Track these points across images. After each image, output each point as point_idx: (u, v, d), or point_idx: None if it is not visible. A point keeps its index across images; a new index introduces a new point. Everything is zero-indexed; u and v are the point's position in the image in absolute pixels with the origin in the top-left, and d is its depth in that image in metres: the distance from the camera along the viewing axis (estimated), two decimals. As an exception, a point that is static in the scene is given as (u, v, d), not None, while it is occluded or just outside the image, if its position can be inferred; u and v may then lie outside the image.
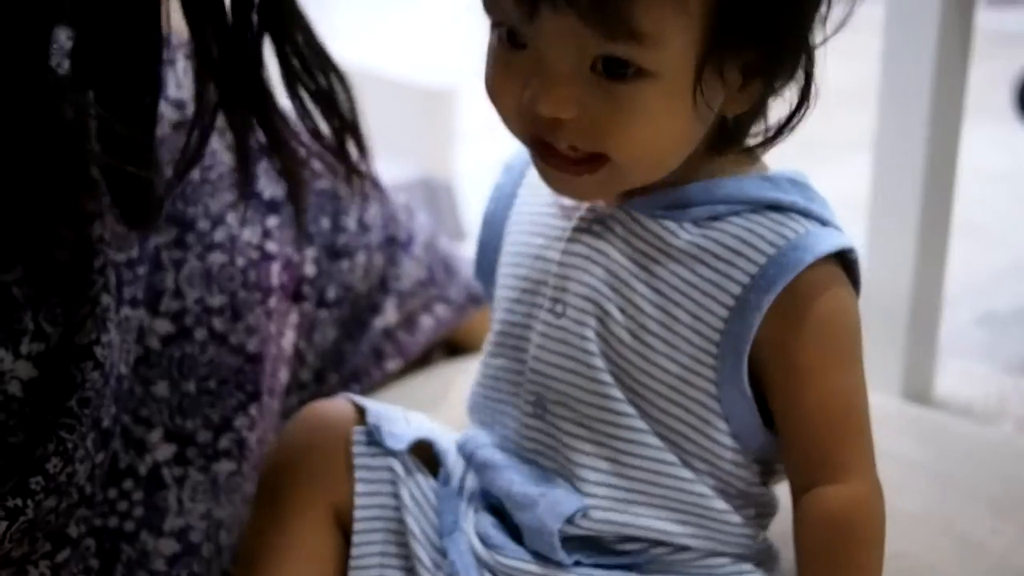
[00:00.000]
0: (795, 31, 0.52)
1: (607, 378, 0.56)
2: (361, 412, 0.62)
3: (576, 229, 0.57)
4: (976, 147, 1.10)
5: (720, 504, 0.57)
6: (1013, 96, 2.02)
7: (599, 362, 0.56)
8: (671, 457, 0.56)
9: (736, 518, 0.57)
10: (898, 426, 0.80)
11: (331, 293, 0.80)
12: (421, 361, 0.89)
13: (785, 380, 0.55)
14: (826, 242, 0.54)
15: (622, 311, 0.56)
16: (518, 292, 0.59)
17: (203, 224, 0.69)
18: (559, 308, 0.57)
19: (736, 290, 0.54)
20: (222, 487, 0.68)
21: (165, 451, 0.67)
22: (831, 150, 1.62)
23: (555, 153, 0.53)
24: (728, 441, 0.56)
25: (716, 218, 0.55)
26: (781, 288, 0.53)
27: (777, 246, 0.54)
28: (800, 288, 0.54)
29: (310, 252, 0.77)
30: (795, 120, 0.54)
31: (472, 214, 1.54)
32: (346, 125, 0.66)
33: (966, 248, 1.17)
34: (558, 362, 0.57)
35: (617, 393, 0.56)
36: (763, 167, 0.58)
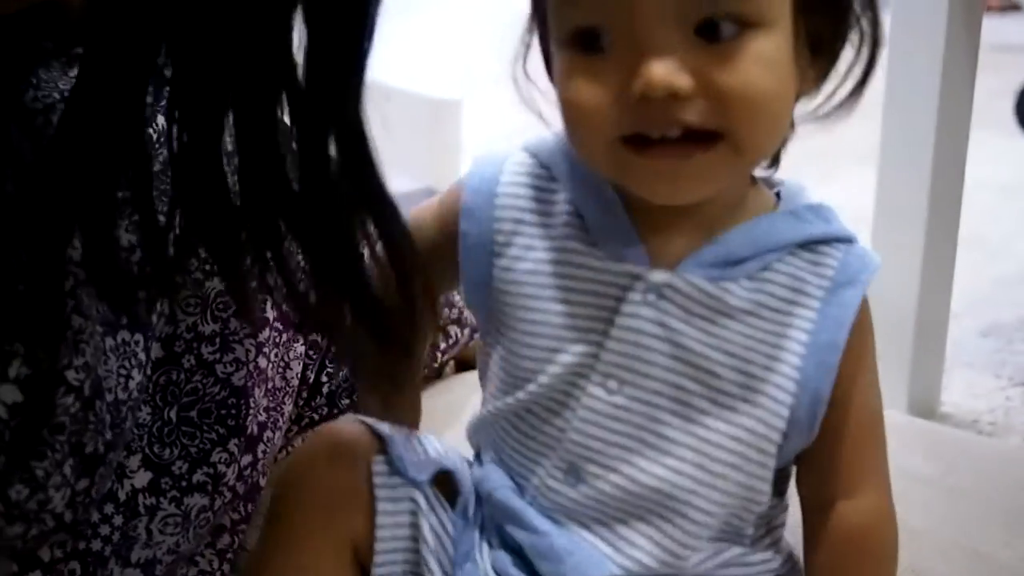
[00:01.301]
0: None
1: (677, 450, 0.54)
2: (375, 436, 0.60)
3: (630, 302, 0.54)
4: (979, 158, 1.10)
5: (757, 556, 0.57)
6: (1015, 107, 2.02)
7: (675, 434, 0.54)
8: (715, 521, 0.55)
9: (766, 555, 0.57)
10: (907, 440, 0.80)
11: None
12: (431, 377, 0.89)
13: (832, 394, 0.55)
14: (867, 270, 0.55)
15: (698, 382, 0.54)
16: (546, 352, 0.56)
17: (204, 250, 0.68)
18: (612, 384, 0.54)
19: (803, 336, 0.54)
20: (193, 522, 0.67)
21: (141, 478, 0.65)
22: (836, 162, 1.62)
23: (658, 143, 0.49)
24: (770, 479, 0.56)
25: (764, 268, 0.54)
26: (852, 323, 0.54)
27: (824, 288, 0.54)
28: (856, 323, 0.54)
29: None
30: (864, 85, 0.53)
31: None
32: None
33: (970, 259, 1.17)
34: (611, 438, 0.55)
35: (678, 464, 0.54)
36: (771, 197, 0.58)
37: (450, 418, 0.80)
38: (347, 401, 0.83)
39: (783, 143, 0.56)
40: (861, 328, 0.55)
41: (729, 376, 0.54)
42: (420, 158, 1.55)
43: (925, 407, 1.07)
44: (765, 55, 0.49)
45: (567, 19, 0.51)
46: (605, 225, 0.55)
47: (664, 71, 0.47)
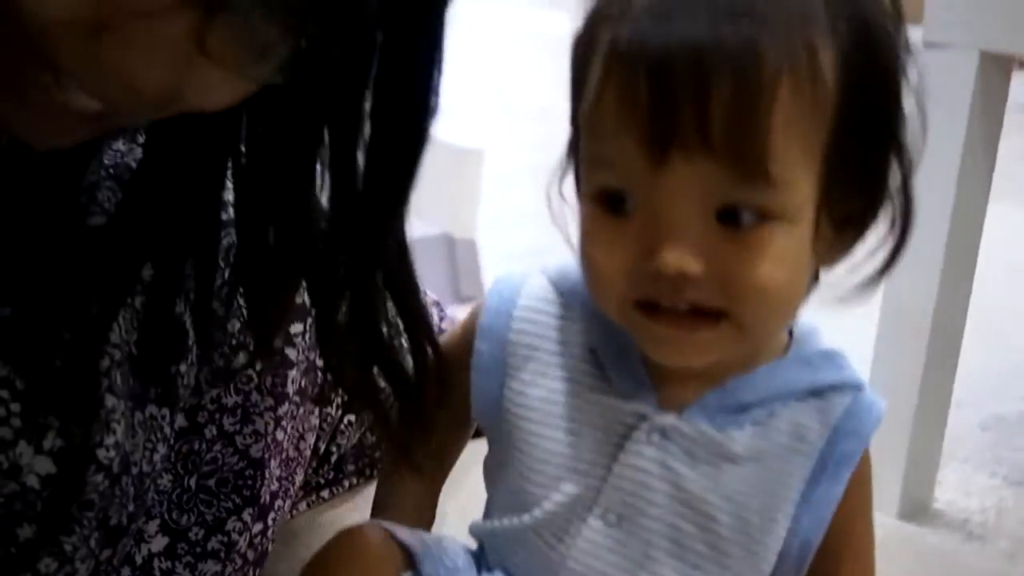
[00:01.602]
0: (889, 173, 0.53)
1: None
2: (398, 544, 0.61)
3: (635, 441, 0.56)
4: (994, 231, 1.09)
5: None
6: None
7: (669, 573, 0.56)
8: None
9: None
10: (893, 551, 0.81)
11: None
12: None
13: (831, 542, 0.57)
14: (872, 421, 0.57)
15: (695, 524, 0.56)
16: (552, 479, 0.58)
17: (232, 324, 0.70)
18: (611, 518, 0.57)
19: (800, 485, 0.56)
20: None
21: (159, 543, 0.68)
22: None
23: (667, 312, 0.51)
24: None
25: (770, 414, 0.56)
26: (849, 477, 0.56)
27: (825, 437, 0.56)
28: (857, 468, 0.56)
29: None
30: (892, 264, 0.54)
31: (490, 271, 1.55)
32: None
33: (975, 344, 1.17)
34: (608, 571, 0.57)
35: None
36: (783, 337, 0.59)
37: (452, 488, 0.82)
38: (352, 467, 0.85)
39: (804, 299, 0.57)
40: (860, 479, 0.56)
41: (726, 521, 0.55)
42: (440, 204, 1.57)
43: (918, 503, 1.08)
44: (782, 249, 0.50)
45: (597, 177, 0.52)
46: (618, 364, 0.57)
47: (678, 256, 0.49)
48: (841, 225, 0.53)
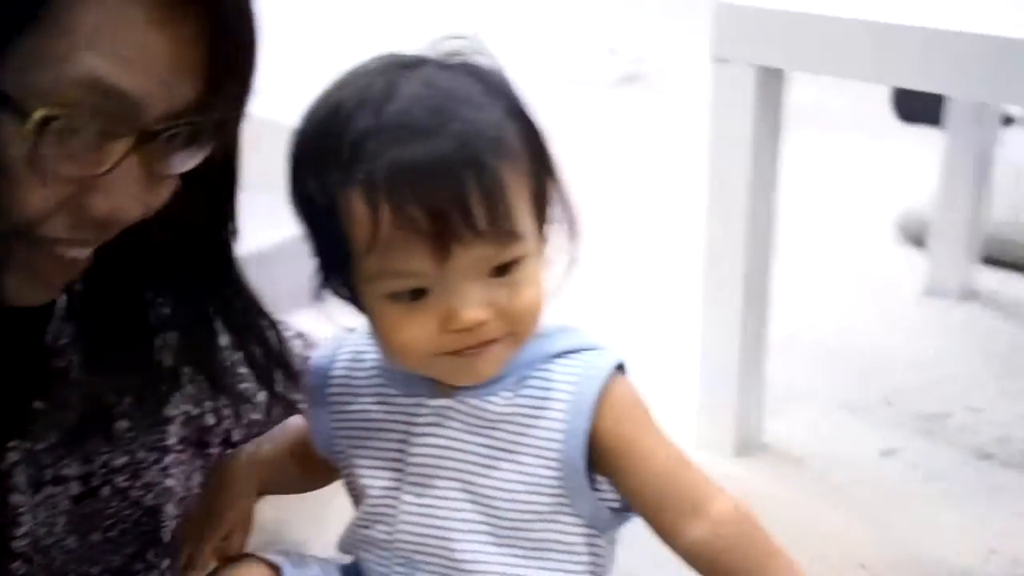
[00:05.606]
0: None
1: (483, 535, 0.69)
2: (270, 567, 0.74)
3: (424, 424, 0.70)
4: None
5: None
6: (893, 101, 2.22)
7: (474, 516, 0.69)
8: None
9: None
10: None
11: (237, 435, 0.90)
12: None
13: (623, 463, 0.69)
14: (603, 367, 0.70)
15: (486, 477, 0.69)
16: (367, 477, 0.72)
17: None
18: (418, 490, 0.70)
19: (559, 426, 0.69)
20: None
21: None
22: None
23: (468, 347, 0.66)
24: (578, 541, 0.71)
25: (520, 380, 0.70)
26: (592, 410, 0.69)
27: (572, 383, 0.69)
28: (604, 404, 0.69)
29: (208, 404, 0.87)
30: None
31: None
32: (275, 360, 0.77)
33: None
34: (426, 532, 0.70)
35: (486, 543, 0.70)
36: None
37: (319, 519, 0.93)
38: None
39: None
40: (613, 411, 0.69)
41: (508, 468, 0.69)
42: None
43: (749, 442, 1.25)
44: (534, 275, 0.67)
45: (392, 284, 0.65)
46: (403, 378, 0.71)
47: (473, 313, 0.65)
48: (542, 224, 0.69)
